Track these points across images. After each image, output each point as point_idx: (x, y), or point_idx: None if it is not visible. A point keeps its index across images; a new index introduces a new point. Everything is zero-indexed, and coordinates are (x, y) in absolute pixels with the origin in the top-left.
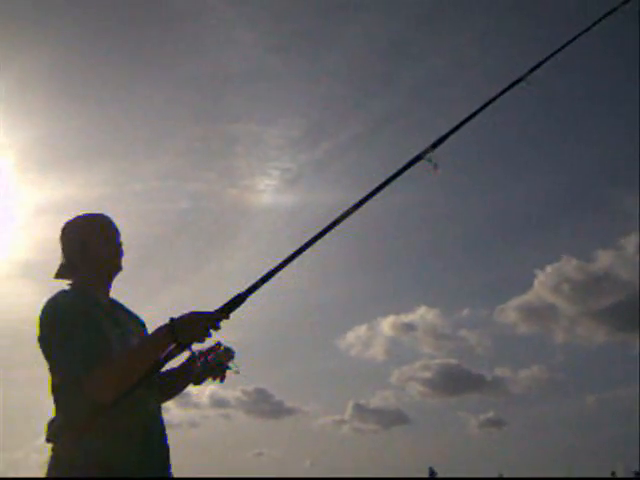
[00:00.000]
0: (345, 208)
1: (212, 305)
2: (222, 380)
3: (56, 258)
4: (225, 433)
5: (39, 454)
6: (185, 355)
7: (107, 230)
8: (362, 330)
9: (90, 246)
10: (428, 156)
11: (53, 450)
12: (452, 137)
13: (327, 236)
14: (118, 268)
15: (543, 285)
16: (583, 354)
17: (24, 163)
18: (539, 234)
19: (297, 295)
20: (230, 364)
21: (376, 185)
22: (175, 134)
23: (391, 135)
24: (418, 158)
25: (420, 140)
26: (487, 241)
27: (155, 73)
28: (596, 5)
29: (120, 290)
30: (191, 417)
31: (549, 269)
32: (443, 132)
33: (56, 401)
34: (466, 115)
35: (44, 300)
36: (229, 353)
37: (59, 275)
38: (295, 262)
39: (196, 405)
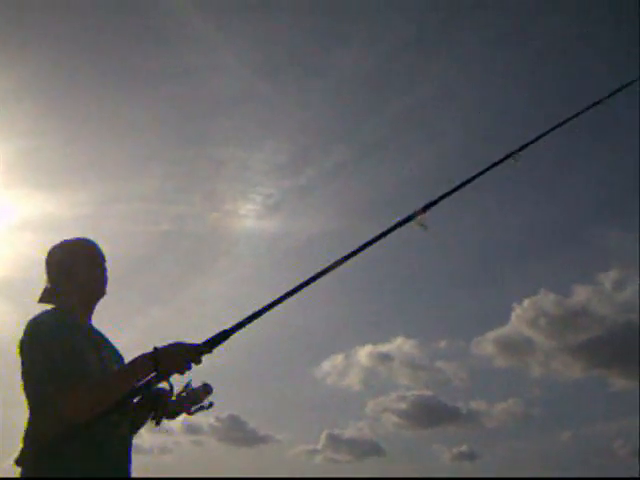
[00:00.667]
0: (328, 238)
1: (191, 328)
2: (193, 414)
3: (36, 276)
4: (197, 460)
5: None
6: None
7: (93, 255)
8: (339, 359)
9: (75, 271)
10: (419, 218)
11: (22, 475)
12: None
13: (311, 265)
14: (102, 294)
15: (520, 318)
16: (559, 389)
17: (7, 177)
18: (519, 267)
19: (273, 321)
20: (205, 401)
21: (365, 241)
22: (161, 156)
23: (376, 163)
24: (409, 219)
25: (405, 168)
26: (466, 273)
27: (142, 93)
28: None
29: (101, 310)
30: (163, 442)
31: (527, 302)
32: (437, 193)
33: (29, 423)
34: (459, 181)
35: (27, 319)
36: (207, 389)
37: (43, 299)
38: (281, 305)
39: (168, 431)
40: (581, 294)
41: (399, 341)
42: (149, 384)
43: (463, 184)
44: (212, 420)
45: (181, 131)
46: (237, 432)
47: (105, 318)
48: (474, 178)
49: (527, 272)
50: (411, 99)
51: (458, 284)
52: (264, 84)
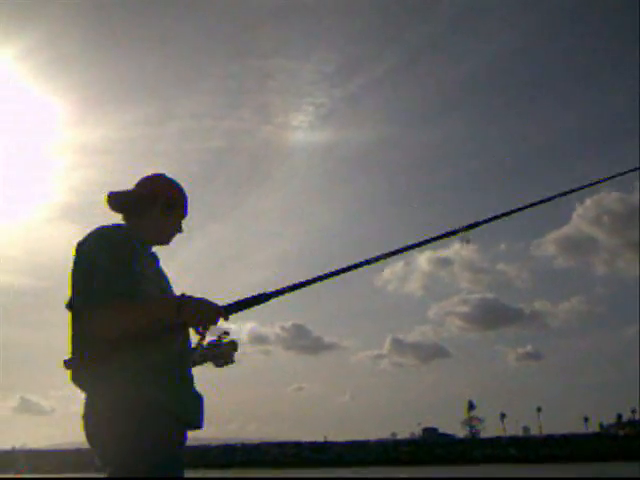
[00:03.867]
0: (381, 145)
1: (250, 244)
2: (221, 366)
3: (96, 201)
4: (265, 369)
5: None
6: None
7: (184, 208)
8: (399, 266)
9: (169, 212)
10: (462, 235)
11: (94, 394)
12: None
13: (364, 174)
14: (165, 243)
15: (582, 218)
16: (623, 286)
17: (65, 106)
18: (578, 165)
19: (334, 230)
20: (231, 357)
21: (410, 243)
22: (209, 72)
23: (427, 68)
24: (453, 233)
25: (458, 73)
26: (523, 173)
27: (188, 10)
28: None
29: None
30: (232, 335)
31: (588, 201)
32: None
33: (76, 335)
34: (508, 209)
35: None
36: (234, 345)
37: (115, 200)
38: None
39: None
40: None
41: (458, 246)
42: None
43: (511, 211)
44: (278, 330)
45: (228, 46)
46: (303, 340)
47: None
48: (517, 210)
49: (587, 170)
50: (463, 0)
51: (516, 185)
52: None
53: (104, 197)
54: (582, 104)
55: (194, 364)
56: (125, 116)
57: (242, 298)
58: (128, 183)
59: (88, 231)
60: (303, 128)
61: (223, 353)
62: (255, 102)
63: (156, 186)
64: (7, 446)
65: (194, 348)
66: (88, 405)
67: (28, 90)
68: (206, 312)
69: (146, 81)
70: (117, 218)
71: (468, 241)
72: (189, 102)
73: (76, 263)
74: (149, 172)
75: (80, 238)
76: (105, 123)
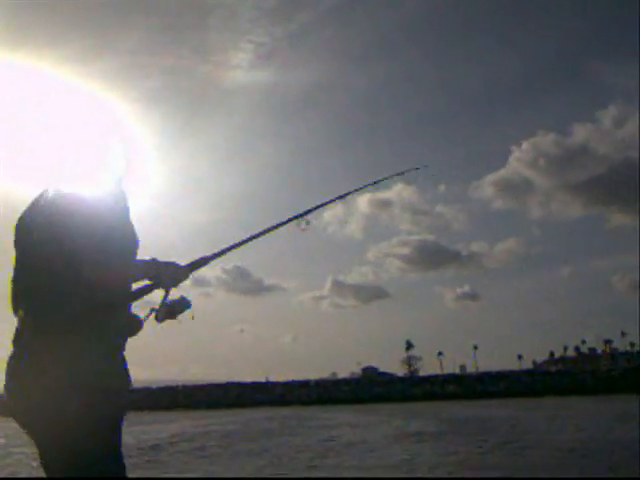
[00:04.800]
0: (323, 89)
1: (188, 186)
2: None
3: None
4: (206, 311)
5: None
6: None
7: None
8: (339, 208)
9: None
10: (302, 220)
11: (30, 356)
12: None
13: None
14: None
15: (519, 160)
16: (558, 227)
17: None
18: (515, 108)
19: (274, 171)
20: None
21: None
22: (145, 5)
23: (370, 6)
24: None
25: (401, 12)
26: (462, 116)
27: None
28: None
29: None
30: (172, 295)
31: (525, 144)
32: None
33: (33, 301)
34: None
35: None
36: (187, 302)
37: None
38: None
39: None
40: (580, 133)
41: (398, 187)
42: (143, 291)
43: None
44: (219, 272)
45: None
46: (244, 282)
47: None
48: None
49: (524, 113)
50: None
51: (454, 128)
52: None
53: None
54: (523, 44)
55: (158, 321)
56: (57, 51)
57: (198, 257)
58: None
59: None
60: (243, 67)
61: (182, 309)
62: (193, 39)
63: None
64: None
65: (158, 308)
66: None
67: None
68: (178, 273)
69: (79, 13)
70: None
71: (308, 225)
72: (124, 37)
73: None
74: None
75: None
76: (36, 58)
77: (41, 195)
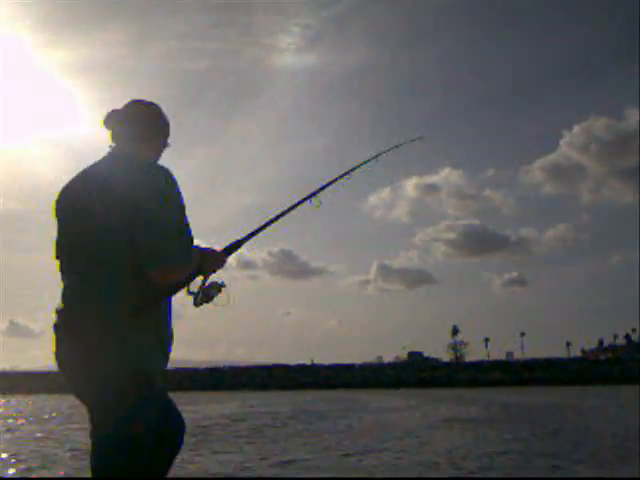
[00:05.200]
0: (369, 71)
1: (236, 168)
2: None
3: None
4: (253, 294)
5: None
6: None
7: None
8: (385, 192)
9: (164, 142)
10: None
11: (91, 345)
12: None
13: (352, 97)
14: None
15: (570, 145)
16: (609, 214)
17: (39, 25)
18: (566, 92)
19: (320, 156)
20: (223, 295)
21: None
22: None
23: None
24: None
25: None
26: (512, 100)
27: None
28: None
29: None
30: (218, 278)
31: (576, 128)
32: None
33: (103, 281)
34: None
35: (137, 165)
36: (220, 286)
37: (121, 120)
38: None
39: (223, 267)
40: (633, 117)
41: (445, 172)
42: (191, 277)
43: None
44: (265, 255)
45: None
46: (290, 265)
47: None
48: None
49: (576, 97)
50: None
51: (505, 112)
52: None
53: (106, 114)
54: (575, 26)
55: (196, 305)
56: (106, 35)
57: (234, 241)
58: (112, 104)
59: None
60: (290, 50)
61: (212, 293)
62: (241, 22)
63: (157, 115)
64: None
65: (197, 291)
66: (86, 357)
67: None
68: (219, 259)
69: None
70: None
71: (319, 203)
72: (173, 21)
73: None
74: (133, 94)
75: (62, 164)
76: (87, 43)
77: (102, 164)
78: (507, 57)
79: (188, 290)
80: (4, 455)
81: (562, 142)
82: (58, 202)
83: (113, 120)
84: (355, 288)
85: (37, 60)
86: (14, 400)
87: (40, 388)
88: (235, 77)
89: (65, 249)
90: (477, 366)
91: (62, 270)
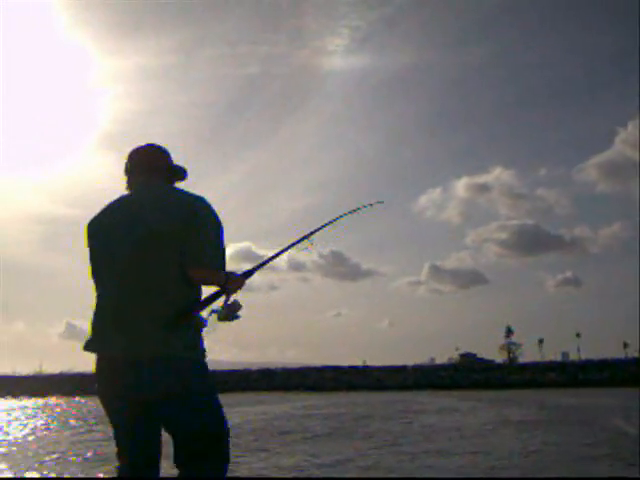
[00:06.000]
0: (419, 71)
1: (287, 169)
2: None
3: (132, 129)
4: (304, 295)
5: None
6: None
7: None
8: (436, 193)
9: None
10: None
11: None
12: None
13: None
14: None
15: (624, 142)
16: None
17: (102, 33)
18: (620, 88)
19: (369, 158)
20: (239, 313)
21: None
22: None
23: None
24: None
25: None
26: (564, 98)
27: None
28: None
29: (196, 158)
30: (270, 280)
31: (630, 125)
32: None
33: (163, 290)
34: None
35: (197, 195)
36: (239, 305)
37: (153, 162)
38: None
39: (274, 269)
40: None
41: (497, 171)
42: (215, 296)
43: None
44: (315, 257)
45: None
46: (340, 267)
47: (203, 165)
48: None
49: (630, 93)
50: None
51: (556, 110)
52: None
53: (142, 152)
54: (627, 22)
55: (220, 320)
56: (159, 43)
57: (251, 267)
58: (163, 111)
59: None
60: (339, 52)
61: (235, 311)
62: (290, 26)
63: (168, 157)
64: (55, 371)
65: (221, 308)
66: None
67: (62, 22)
68: (239, 282)
69: (179, 6)
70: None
71: (311, 246)
72: (223, 27)
73: (191, 223)
74: (185, 101)
75: (117, 167)
76: (140, 50)
77: (149, 185)
78: (559, 54)
79: (211, 310)
80: (88, 454)
81: (617, 139)
82: (91, 226)
83: (143, 162)
84: (406, 289)
85: (93, 67)
86: (78, 400)
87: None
88: (284, 81)
89: (116, 264)
90: (532, 367)
91: (110, 282)
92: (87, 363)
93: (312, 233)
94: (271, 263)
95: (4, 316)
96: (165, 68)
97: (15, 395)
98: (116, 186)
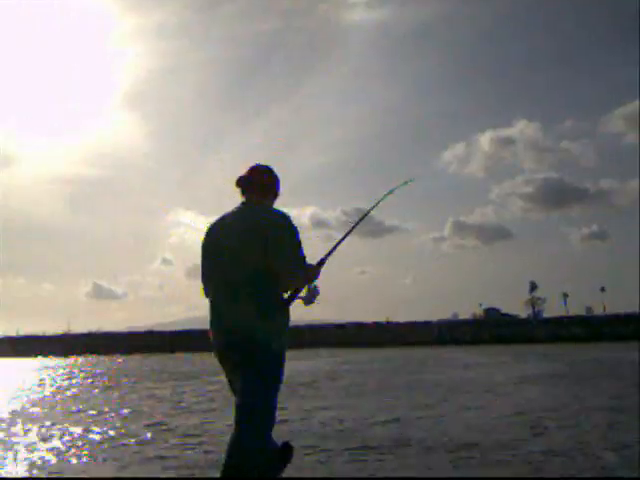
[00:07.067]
0: (441, 24)
1: (310, 125)
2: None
3: (155, 88)
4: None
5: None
6: None
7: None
8: (459, 147)
9: (274, 200)
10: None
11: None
12: None
13: (425, 52)
14: None
15: None
16: None
17: None
18: None
19: (392, 114)
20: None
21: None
22: None
23: None
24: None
25: None
26: (590, 48)
27: None
28: None
29: (219, 114)
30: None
31: None
32: None
33: (251, 289)
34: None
35: (281, 213)
36: (318, 289)
37: (252, 184)
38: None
39: (298, 226)
40: None
41: (521, 124)
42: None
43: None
44: (339, 213)
45: None
46: (364, 224)
47: (228, 121)
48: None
49: None
50: None
51: (581, 61)
52: None
53: (238, 178)
54: None
55: (306, 304)
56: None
57: (323, 256)
58: (183, 69)
59: (146, 121)
60: (360, 5)
61: (315, 294)
62: None
63: (273, 179)
64: (84, 329)
65: (305, 295)
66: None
67: None
68: (317, 273)
69: None
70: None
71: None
72: None
73: (273, 234)
74: (205, 58)
75: (142, 127)
76: (160, 6)
77: (244, 207)
78: (584, 7)
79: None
80: (125, 410)
81: None
82: (208, 235)
83: (245, 184)
84: (430, 245)
85: (114, 27)
86: (105, 359)
87: (122, 348)
88: (304, 36)
89: (219, 270)
90: (556, 322)
91: (216, 286)
92: (115, 323)
93: (361, 220)
94: (295, 220)
95: (33, 277)
96: (185, 24)
97: (45, 354)
98: (137, 145)
